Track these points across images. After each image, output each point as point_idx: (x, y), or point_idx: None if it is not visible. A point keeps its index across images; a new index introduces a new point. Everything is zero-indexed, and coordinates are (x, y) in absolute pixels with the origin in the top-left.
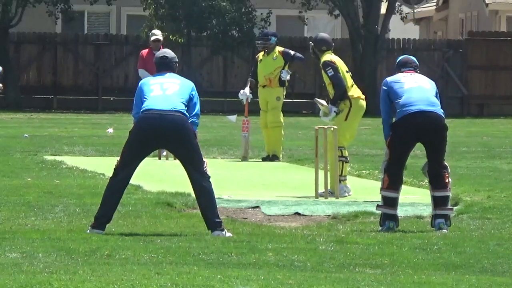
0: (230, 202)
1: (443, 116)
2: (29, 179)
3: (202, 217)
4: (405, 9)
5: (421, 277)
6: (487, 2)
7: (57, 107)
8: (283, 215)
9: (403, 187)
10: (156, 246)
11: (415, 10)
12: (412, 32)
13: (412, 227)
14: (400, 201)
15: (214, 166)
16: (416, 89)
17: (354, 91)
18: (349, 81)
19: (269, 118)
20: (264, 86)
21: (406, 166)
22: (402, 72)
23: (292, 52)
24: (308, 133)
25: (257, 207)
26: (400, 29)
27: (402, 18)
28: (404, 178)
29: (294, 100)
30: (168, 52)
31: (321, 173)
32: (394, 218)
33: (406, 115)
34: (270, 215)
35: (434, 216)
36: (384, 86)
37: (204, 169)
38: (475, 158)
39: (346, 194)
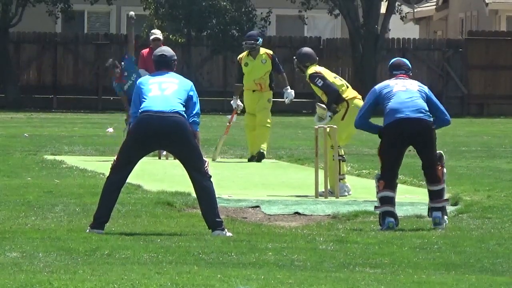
0: (230, 202)
1: (431, 120)
2: (29, 178)
3: (202, 217)
4: (405, 9)
5: (421, 277)
6: (487, 1)
7: (57, 107)
8: (283, 214)
9: (403, 186)
10: (156, 246)
11: (415, 10)
12: (412, 31)
13: (412, 227)
14: (400, 200)
15: (214, 166)
16: (405, 93)
17: (349, 92)
18: (341, 84)
19: (259, 118)
20: (254, 91)
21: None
22: (394, 74)
23: (280, 66)
24: (308, 133)
25: (257, 206)
26: (400, 28)
27: (402, 18)
28: (404, 178)
29: (294, 100)
30: (166, 50)
31: (321, 173)
32: (394, 215)
33: (393, 121)
34: (270, 215)
35: (431, 209)
36: (372, 93)
37: (205, 169)
38: (475, 157)
39: (346, 194)
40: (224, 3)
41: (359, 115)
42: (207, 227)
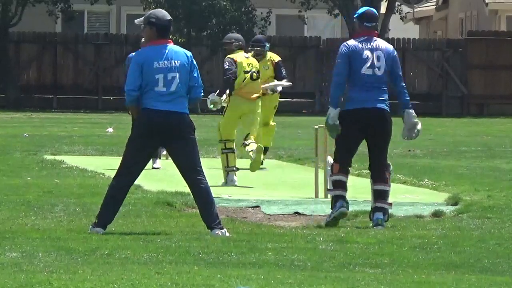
0: (230, 202)
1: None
2: (29, 178)
3: (201, 216)
4: (405, 9)
5: (421, 277)
6: (487, 1)
7: (57, 107)
8: (283, 214)
9: (403, 186)
10: (156, 246)
11: (415, 10)
12: (412, 31)
13: (412, 227)
14: (400, 200)
15: (214, 166)
16: (372, 78)
17: (242, 88)
18: (244, 77)
19: (267, 118)
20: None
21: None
22: (366, 27)
23: (284, 72)
24: (308, 132)
25: (257, 206)
26: (400, 28)
27: (402, 18)
28: (404, 178)
29: (294, 100)
30: (167, 14)
31: (321, 173)
32: (345, 198)
33: (359, 109)
34: (270, 215)
35: (373, 209)
36: (345, 49)
37: (201, 168)
38: (475, 157)
39: (235, 184)
40: (224, 3)
41: (340, 74)
42: (206, 227)
